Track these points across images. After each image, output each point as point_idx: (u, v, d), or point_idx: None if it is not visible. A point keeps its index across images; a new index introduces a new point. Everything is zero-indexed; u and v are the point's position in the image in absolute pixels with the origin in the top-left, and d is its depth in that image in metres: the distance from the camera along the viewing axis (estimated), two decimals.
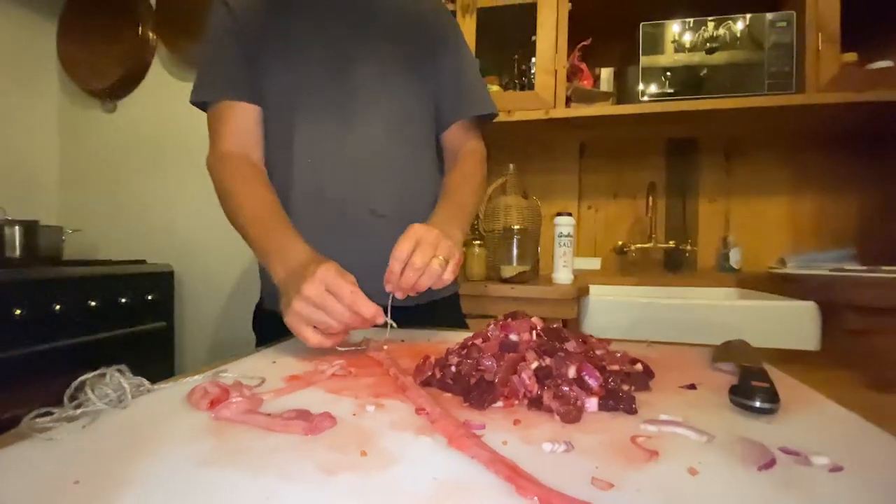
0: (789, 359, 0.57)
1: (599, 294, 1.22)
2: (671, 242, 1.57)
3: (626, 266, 1.63)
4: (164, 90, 1.83)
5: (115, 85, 1.83)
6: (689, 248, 1.56)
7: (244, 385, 0.41)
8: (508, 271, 1.23)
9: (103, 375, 0.40)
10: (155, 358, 1.56)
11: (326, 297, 0.51)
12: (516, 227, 1.27)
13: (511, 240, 1.27)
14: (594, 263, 1.62)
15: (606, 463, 0.28)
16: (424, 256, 0.55)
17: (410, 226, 0.59)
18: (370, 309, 0.51)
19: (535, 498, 0.24)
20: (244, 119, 0.74)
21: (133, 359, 0.43)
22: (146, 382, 0.43)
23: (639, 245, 1.58)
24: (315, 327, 0.52)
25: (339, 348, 0.58)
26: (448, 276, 0.58)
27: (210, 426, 0.34)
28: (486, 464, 0.28)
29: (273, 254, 0.62)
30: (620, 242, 1.62)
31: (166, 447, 0.31)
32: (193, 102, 0.76)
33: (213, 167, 0.72)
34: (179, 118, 1.78)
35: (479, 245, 1.31)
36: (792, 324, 1.07)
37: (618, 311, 1.14)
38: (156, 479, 0.26)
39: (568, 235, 1.23)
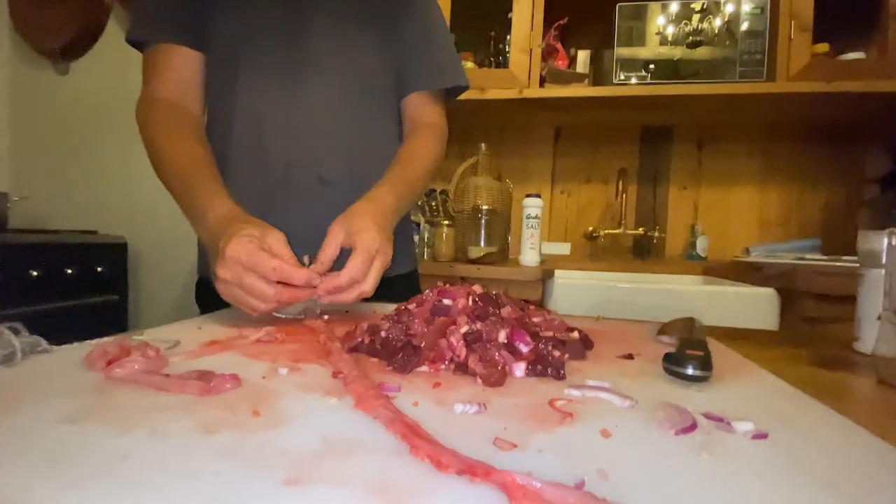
0: (738, 336, 0.56)
1: (564, 277, 1.22)
2: (640, 229, 1.57)
3: (596, 251, 1.63)
4: (120, 52, 1.72)
5: (68, 45, 1.71)
6: (657, 235, 1.57)
7: (150, 346, 0.38)
8: (475, 252, 1.21)
9: None
10: (106, 332, 1.49)
11: (246, 278, 0.46)
12: (485, 207, 1.25)
13: (479, 220, 1.25)
14: (564, 248, 1.62)
15: (516, 424, 0.26)
16: (373, 284, 0.51)
17: (366, 234, 0.52)
18: (301, 275, 0.47)
19: (426, 457, 0.22)
20: (183, 65, 0.68)
21: (81, 332, 0.39)
22: (43, 342, 0.39)
23: (608, 231, 1.58)
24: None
25: (278, 314, 0.55)
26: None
27: (98, 385, 0.31)
28: (386, 424, 0.26)
29: (194, 212, 0.57)
30: (591, 228, 1.62)
31: (37, 403, 0.27)
32: (129, 41, 0.70)
33: (140, 113, 0.66)
34: (135, 82, 1.67)
35: (448, 225, 1.28)
36: (752, 310, 1.08)
37: (582, 294, 1.14)
38: (11, 434, 0.24)
39: (535, 217, 1.21)
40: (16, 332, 0.38)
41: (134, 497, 0.18)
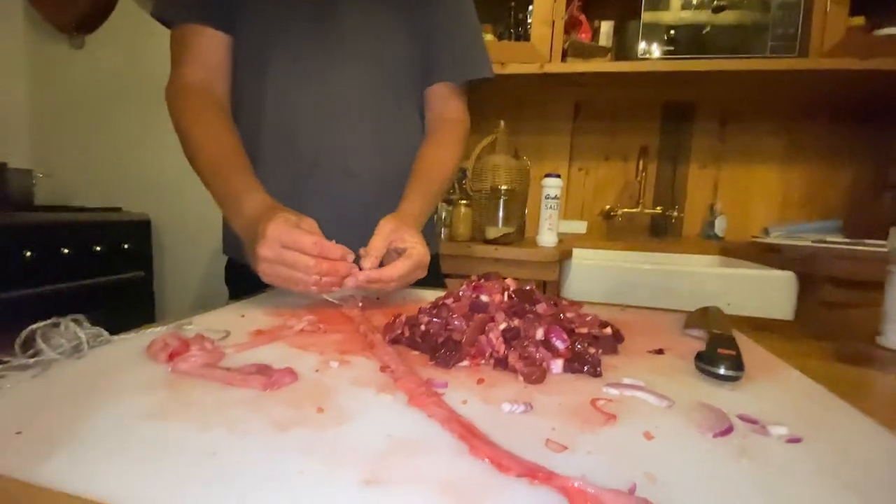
0: (761, 327, 0.57)
1: (582, 258, 1.22)
2: (658, 208, 1.56)
3: (613, 231, 1.62)
4: (134, 24, 1.69)
5: (83, 18, 1.69)
6: (675, 214, 1.55)
7: (206, 338, 0.40)
8: (493, 233, 1.21)
9: (57, 325, 0.39)
10: (134, 308, 1.55)
11: (286, 254, 0.49)
12: (503, 187, 1.25)
13: (497, 200, 1.25)
14: (580, 227, 1.61)
15: (563, 425, 0.28)
16: (407, 282, 0.56)
17: (420, 247, 0.57)
18: (337, 251, 0.50)
19: (487, 458, 0.24)
20: (211, 48, 0.68)
21: (111, 308, 0.42)
22: (105, 333, 0.41)
23: (626, 210, 1.57)
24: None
25: (328, 297, 0.57)
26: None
27: (166, 379, 0.33)
28: (442, 423, 0.28)
29: (229, 203, 0.59)
30: (608, 207, 1.61)
31: (116, 399, 0.30)
32: (155, 17, 0.69)
33: (171, 98, 0.67)
34: (153, 55, 1.67)
35: (466, 205, 1.28)
36: (769, 293, 1.09)
37: (599, 275, 1.15)
38: (99, 432, 0.26)
39: (555, 198, 1.21)
40: (79, 323, 0.40)
41: (232, 495, 0.20)
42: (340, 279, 0.51)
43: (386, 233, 0.56)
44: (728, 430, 0.28)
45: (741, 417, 0.29)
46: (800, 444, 0.27)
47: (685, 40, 1.29)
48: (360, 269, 0.53)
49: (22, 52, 1.83)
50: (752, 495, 0.22)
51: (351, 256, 0.52)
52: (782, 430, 0.27)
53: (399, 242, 0.56)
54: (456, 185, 1.40)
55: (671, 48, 1.30)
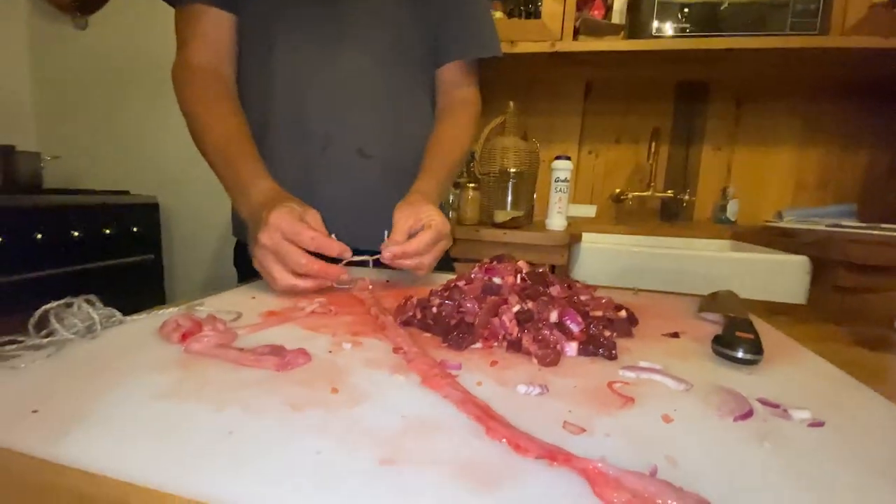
0: (777, 311, 0.56)
1: (591, 242, 1.21)
2: (669, 192, 1.53)
3: (622, 214, 1.61)
4: (138, 4, 1.67)
5: None
6: (686, 198, 1.53)
7: (218, 319, 0.40)
8: (502, 216, 1.20)
9: (70, 305, 0.39)
10: (143, 291, 1.56)
11: (282, 244, 0.48)
12: (513, 170, 1.23)
13: (506, 184, 1.24)
14: (590, 211, 1.60)
15: (580, 407, 0.28)
16: (431, 261, 0.56)
17: (438, 218, 0.56)
18: (336, 246, 0.50)
19: (504, 440, 0.23)
20: (217, 28, 0.67)
21: (121, 291, 0.42)
22: (117, 313, 0.41)
23: (636, 193, 1.55)
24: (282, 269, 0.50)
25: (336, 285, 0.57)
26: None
27: (179, 359, 0.33)
28: (457, 404, 0.27)
29: (237, 189, 0.59)
30: (618, 190, 1.59)
31: (130, 378, 0.30)
32: None
33: (178, 79, 0.66)
34: (158, 35, 1.65)
35: (474, 188, 1.27)
36: (782, 278, 1.07)
37: (608, 259, 1.13)
38: (115, 410, 0.26)
39: (565, 180, 1.19)
40: (91, 303, 0.40)
41: (249, 474, 0.20)
42: (321, 284, 0.51)
43: (402, 222, 0.55)
44: (749, 414, 0.27)
45: (761, 401, 0.29)
46: (823, 427, 0.26)
47: (701, 17, 1.25)
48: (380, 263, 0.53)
49: (25, 34, 1.81)
50: (777, 479, 0.21)
51: (348, 254, 0.51)
52: (804, 415, 0.27)
53: (416, 225, 0.55)
54: (464, 168, 1.38)
55: (686, 26, 1.26)
